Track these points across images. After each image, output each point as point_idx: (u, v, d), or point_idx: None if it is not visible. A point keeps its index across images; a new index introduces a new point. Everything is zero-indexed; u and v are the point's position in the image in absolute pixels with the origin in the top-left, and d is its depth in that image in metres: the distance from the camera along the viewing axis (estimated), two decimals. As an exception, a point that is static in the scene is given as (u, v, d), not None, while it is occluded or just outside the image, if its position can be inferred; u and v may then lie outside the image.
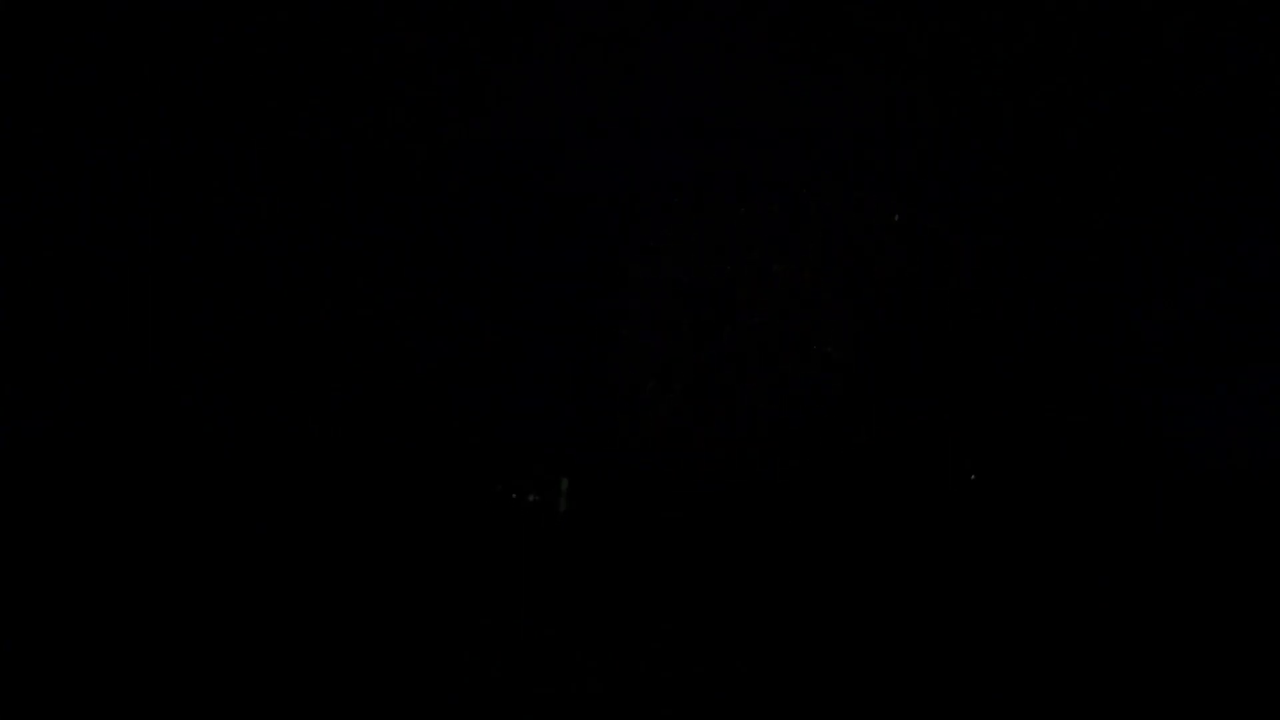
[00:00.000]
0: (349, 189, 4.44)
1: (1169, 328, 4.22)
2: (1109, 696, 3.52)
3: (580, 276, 4.51)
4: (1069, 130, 4.26)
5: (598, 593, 4.11)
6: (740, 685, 3.52)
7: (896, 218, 4.36)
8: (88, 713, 3.28)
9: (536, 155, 4.48)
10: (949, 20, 4.21)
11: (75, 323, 4.30)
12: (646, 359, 4.46)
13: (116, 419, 4.27)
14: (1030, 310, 4.30)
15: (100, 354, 4.30)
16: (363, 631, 3.74)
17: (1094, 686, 3.56)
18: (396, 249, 4.46)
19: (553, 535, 4.40)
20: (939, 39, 4.24)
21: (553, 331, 4.48)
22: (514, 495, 4.34)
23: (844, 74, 4.31)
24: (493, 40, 4.37)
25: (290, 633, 3.71)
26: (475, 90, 4.43)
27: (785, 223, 4.44)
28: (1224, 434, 4.13)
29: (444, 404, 4.44)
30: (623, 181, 4.48)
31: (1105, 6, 4.12)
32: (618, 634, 3.80)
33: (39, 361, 4.28)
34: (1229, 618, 3.77)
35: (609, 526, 4.39)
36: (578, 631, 3.80)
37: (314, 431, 4.35)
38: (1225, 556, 3.95)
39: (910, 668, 3.64)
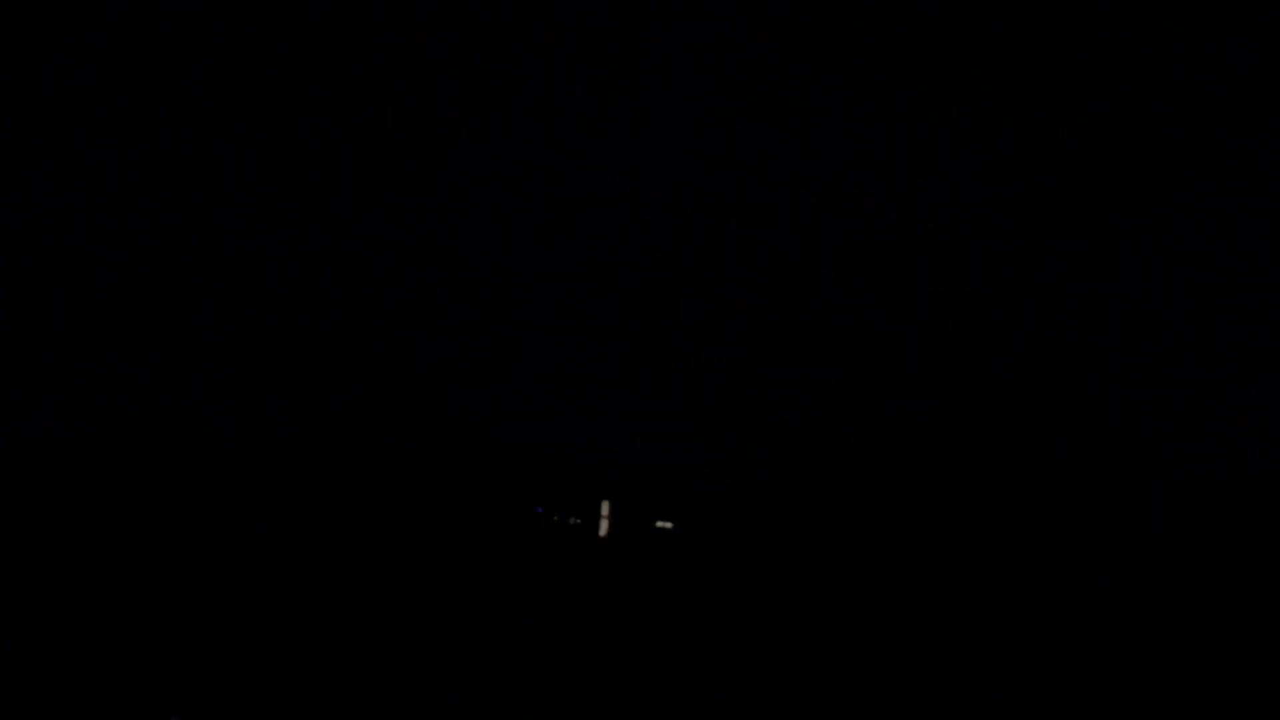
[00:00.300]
0: (350, 189, 4.43)
1: (1169, 328, 4.22)
2: (1109, 696, 3.52)
3: (580, 277, 4.51)
4: (1069, 130, 4.26)
5: (598, 593, 4.11)
6: (740, 685, 3.52)
7: (899, 216, 4.36)
8: (99, 712, 3.28)
9: (536, 155, 4.48)
10: (949, 20, 4.21)
11: (75, 322, 4.30)
12: (645, 358, 4.46)
13: (135, 425, 4.27)
14: (1030, 310, 4.30)
15: (106, 355, 4.29)
16: (363, 632, 3.74)
17: (1094, 686, 3.56)
18: (396, 249, 4.46)
19: (553, 536, 4.40)
20: (939, 39, 4.24)
21: (551, 331, 4.48)
22: (546, 514, 4.34)
23: (844, 74, 4.31)
24: (493, 40, 4.36)
25: (289, 633, 3.71)
26: (475, 90, 4.42)
27: (785, 222, 4.44)
28: (1223, 434, 4.13)
29: (443, 404, 4.44)
30: (623, 181, 4.48)
31: (1105, 6, 4.12)
32: (618, 634, 3.80)
33: (39, 361, 4.28)
34: (1229, 618, 3.77)
35: (609, 526, 4.39)
36: (578, 631, 3.80)
37: (314, 432, 4.35)
38: (1225, 557, 3.95)
39: (910, 667, 3.64)
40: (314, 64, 4.36)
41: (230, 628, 3.65)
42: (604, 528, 4.40)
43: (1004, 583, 4.00)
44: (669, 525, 4.35)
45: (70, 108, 4.29)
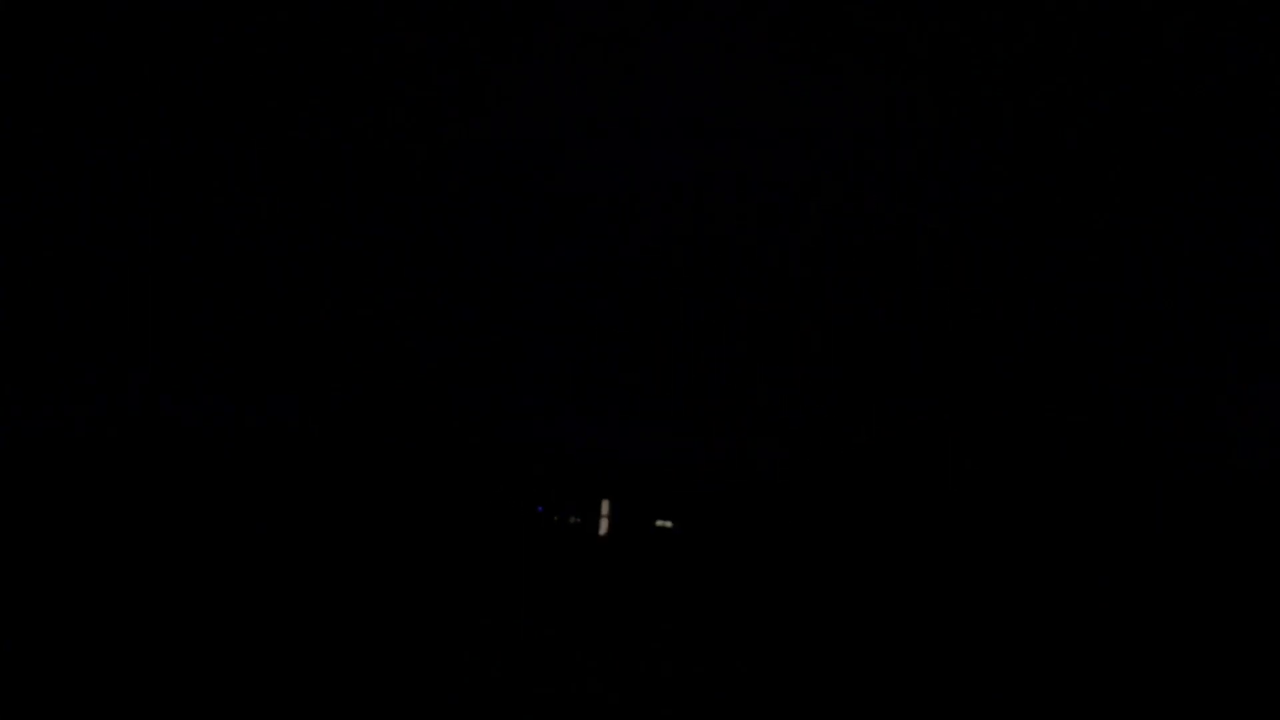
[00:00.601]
0: (350, 189, 4.43)
1: (1169, 328, 4.22)
2: (1109, 694, 3.52)
3: (580, 277, 4.51)
4: (1069, 130, 4.26)
5: (598, 592, 4.11)
6: (740, 684, 3.52)
7: (899, 216, 4.36)
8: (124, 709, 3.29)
9: (536, 155, 4.48)
10: (949, 20, 4.21)
11: (75, 322, 4.30)
12: (645, 358, 4.46)
13: (135, 426, 4.28)
14: (1030, 310, 4.30)
15: (106, 355, 4.30)
16: (364, 631, 3.75)
17: (1093, 684, 3.57)
18: (396, 249, 4.46)
19: (553, 535, 4.40)
20: (939, 39, 4.24)
21: (551, 331, 4.49)
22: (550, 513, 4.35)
23: (844, 74, 4.31)
24: (493, 40, 4.37)
25: (289, 632, 3.72)
26: (475, 90, 4.42)
27: (785, 222, 4.44)
28: (1223, 434, 4.13)
29: (444, 404, 4.44)
30: (623, 181, 4.48)
31: (1105, 6, 4.12)
32: (618, 633, 3.80)
33: (39, 361, 4.28)
34: (1229, 616, 3.77)
35: (609, 526, 4.39)
36: (578, 631, 3.80)
37: (314, 432, 4.36)
38: (1224, 556, 3.95)
39: (910, 666, 3.64)
40: (314, 64, 4.36)
41: (231, 627, 3.66)
42: (604, 527, 4.40)
43: (1004, 582, 4.01)
44: (669, 524, 4.36)
45: (70, 108, 4.29)
